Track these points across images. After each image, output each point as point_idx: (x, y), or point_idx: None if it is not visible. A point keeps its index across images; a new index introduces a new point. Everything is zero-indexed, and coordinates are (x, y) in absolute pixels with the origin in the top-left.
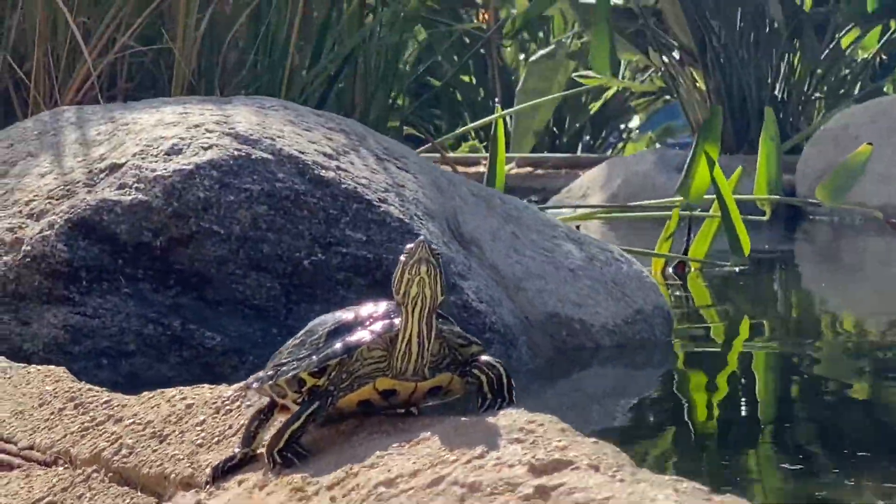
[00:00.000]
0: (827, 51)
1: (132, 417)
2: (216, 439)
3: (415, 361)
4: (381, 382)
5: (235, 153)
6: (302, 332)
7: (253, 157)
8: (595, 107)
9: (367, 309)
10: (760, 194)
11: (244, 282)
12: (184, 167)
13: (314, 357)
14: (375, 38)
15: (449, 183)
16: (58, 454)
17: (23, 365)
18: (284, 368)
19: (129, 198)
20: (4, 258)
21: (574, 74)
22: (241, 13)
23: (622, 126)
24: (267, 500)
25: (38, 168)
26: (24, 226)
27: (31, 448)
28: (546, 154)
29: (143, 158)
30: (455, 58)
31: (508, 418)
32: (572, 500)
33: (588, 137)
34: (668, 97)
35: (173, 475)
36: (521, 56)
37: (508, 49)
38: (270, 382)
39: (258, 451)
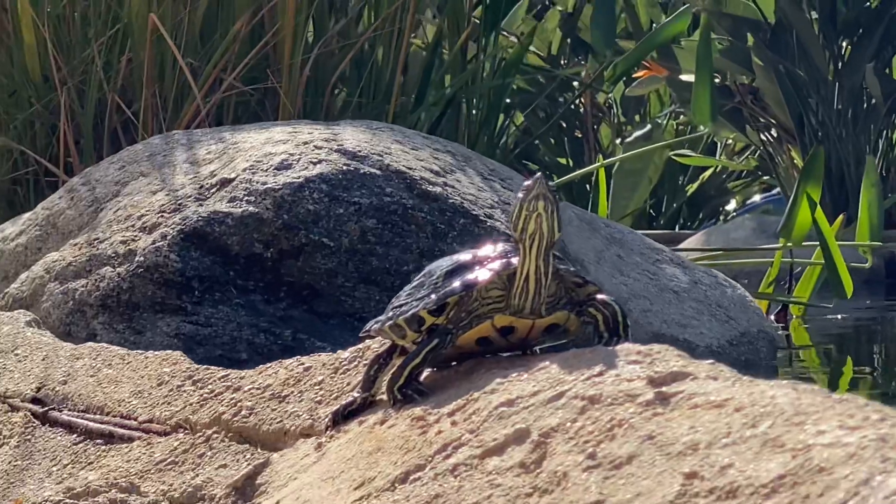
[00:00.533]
0: None
1: (251, 384)
2: (335, 396)
3: (532, 299)
4: (499, 319)
5: (344, 168)
6: (420, 275)
7: (362, 171)
8: (692, 188)
9: (485, 250)
10: (862, 241)
11: (353, 294)
12: (294, 180)
13: (433, 296)
14: (479, 82)
15: None
16: (178, 423)
17: (140, 352)
18: (404, 308)
19: (240, 210)
20: (118, 269)
21: (671, 153)
22: (345, 56)
23: (719, 209)
24: (387, 432)
25: (150, 186)
26: (136, 238)
27: (151, 421)
28: (644, 231)
29: (253, 173)
30: (552, 140)
31: (625, 347)
32: (692, 403)
33: (684, 220)
34: (765, 177)
35: (293, 428)
36: (618, 140)
37: (605, 132)
38: (390, 323)
39: (378, 397)
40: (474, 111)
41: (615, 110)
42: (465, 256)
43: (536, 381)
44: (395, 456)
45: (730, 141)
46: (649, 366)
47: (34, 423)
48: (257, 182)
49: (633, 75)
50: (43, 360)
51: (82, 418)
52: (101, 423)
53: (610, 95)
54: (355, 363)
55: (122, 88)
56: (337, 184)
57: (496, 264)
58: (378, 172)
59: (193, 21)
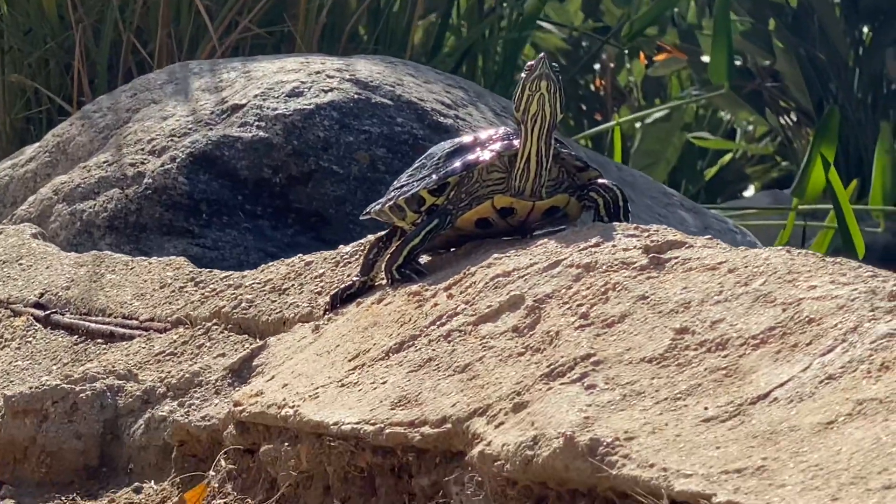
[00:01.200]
0: None
1: (252, 281)
2: (335, 287)
3: (533, 180)
4: (499, 200)
5: (356, 96)
6: (421, 157)
7: (373, 101)
8: (711, 173)
9: (487, 132)
10: (875, 205)
11: (362, 223)
12: (304, 107)
13: (434, 175)
14: (495, 35)
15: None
16: (178, 320)
17: (143, 258)
18: (404, 189)
19: (250, 135)
20: (126, 191)
21: (690, 136)
22: (361, 4)
23: (738, 194)
24: (384, 309)
25: (161, 112)
26: (145, 161)
27: (152, 320)
28: None
29: (264, 99)
30: (571, 122)
31: (623, 224)
32: (686, 267)
33: (702, 204)
34: (784, 162)
35: (292, 317)
36: (637, 124)
37: (624, 115)
38: (390, 204)
39: (377, 282)
40: (490, 64)
41: (635, 93)
42: (466, 139)
43: (533, 255)
44: (391, 329)
45: (749, 127)
46: (646, 237)
47: (35, 326)
48: (268, 108)
49: (655, 58)
50: (47, 268)
51: (84, 320)
52: (102, 324)
53: (630, 79)
54: (357, 256)
55: (137, 29)
56: (348, 112)
57: (497, 145)
58: (389, 102)
59: None
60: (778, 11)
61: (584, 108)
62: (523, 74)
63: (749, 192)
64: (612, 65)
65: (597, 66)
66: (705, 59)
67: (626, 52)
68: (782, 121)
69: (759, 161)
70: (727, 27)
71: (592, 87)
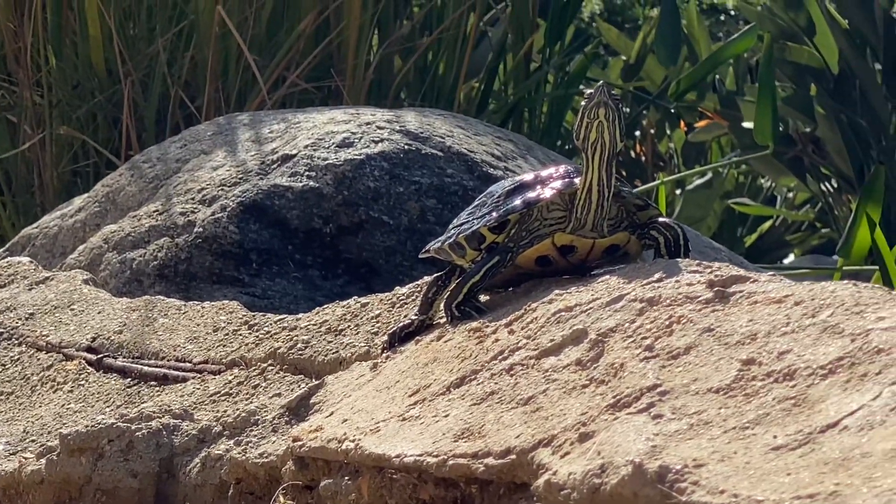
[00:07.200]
0: None
1: (307, 322)
2: (392, 327)
3: (595, 211)
4: (559, 237)
5: (406, 147)
6: (480, 195)
7: (423, 152)
8: (751, 240)
9: (548, 170)
10: None
11: (411, 273)
12: (355, 157)
13: (494, 213)
14: (541, 93)
15: None
16: (233, 361)
17: (196, 302)
18: (464, 227)
19: (301, 184)
20: (176, 239)
21: (730, 202)
22: (410, 58)
23: (778, 262)
24: (444, 346)
25: (211, 163)
26: (196, 210)
27: (206, 362)
28: None
29: (314, 150)
30: None
31: (685, 260)
32: (751, 300)
33: None
34: (824, 230)
35: (349, 356)
36: (678, 190)
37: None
38: (450, 241)
39: (435, 320)
40: (536, 121)
41: (676, 159)
42: (527, 177)
43: (595, 291)
44: (451, 364)
45: (790, 194)
46: (710, 273)
47: (88, 370)
48: (318, 158)
49: (695, 124)
50: (98, 313)
51: (136, 363)
52: (156, 366)
53: (671, 145)
54: (413, 297)
55: (185, 83)
56: (398, 162)
57: (558, 183)
58: (439, 153)
59: (259, 18)
60: (819, 77)
61: (624, 173)
62: (583, 103)
63: (789, 259)
64: (652, 131)
65: (637, 133)
66: (746, 124)
67: (672, 111)
68: (823, 187)
69: (799, 228)
70: (772, 87)
71: (633, 154)
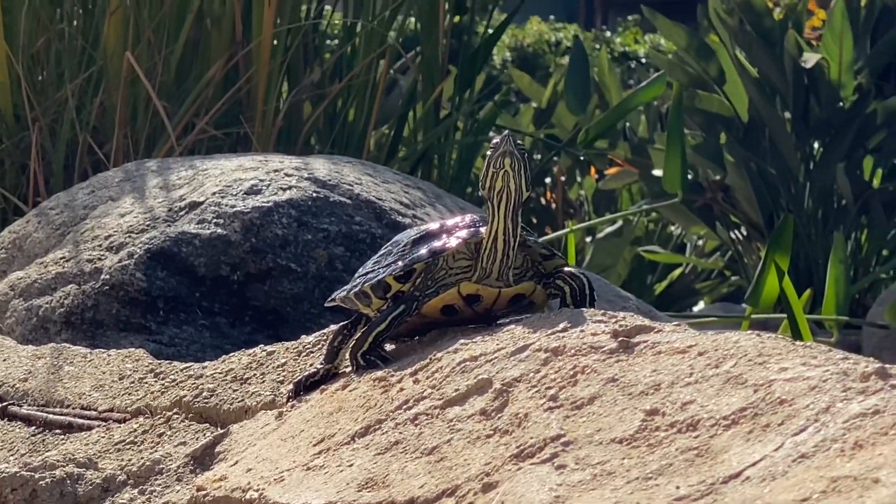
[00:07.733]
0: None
1: (212, 371)
2: (298, 376)
3: (500, 261)
4: (465, 286)
5: (314, 195)
6: (387, 244)
7: (331, 199)
8: (661, 287)
9: (454, 219)
10: (829, 314)
11: (319, 321)
12: (263, 204)
13: (400, 262)
14: (451, 140)
15: None
16: (138, 410)
17: (102, 350)
18: (370, 276)
19: (208, 231)
20: (83, 287)
21: (640, 249)
22: (320, 104)
23: (688, 309)
24: (349, 395)
25: (119, 209)
26: (103, 257)
27: (111, 410)
28: None
29: (222, 197)
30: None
31: (590, 310)
32: (655, 350)
33: None
34: (734, 277)
35: (254, 405)
36: (588, 238)
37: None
38: (356, 290)
39: (341, 369)
40: (446, 168)
41: (586, 207)
42: (433, 226)
43: (500, 340)
44: (357, 414)
45: (699, 241)
46: (614, 323)
47: None
48: (226, 205)
49: (606, 172)
50: (3, 360)
51: (42, 411)
52: (61, 414)
53: (581, 192)
54: (319, 346)
55: (94, 129)
56: (306, 210)
57: (464, 233)
58: (348, 201)
59: (168, 64)
60: (729, 125)
61: (534, 221)
62: (488, 152)
63: (699, 307)
64: (563, 178)
65: (548, 180)
66: (657, 172)
67: (582, 158)
68: (733, 235)
69: (709, 276)
70: (681, 135)
71: (543, 201)
